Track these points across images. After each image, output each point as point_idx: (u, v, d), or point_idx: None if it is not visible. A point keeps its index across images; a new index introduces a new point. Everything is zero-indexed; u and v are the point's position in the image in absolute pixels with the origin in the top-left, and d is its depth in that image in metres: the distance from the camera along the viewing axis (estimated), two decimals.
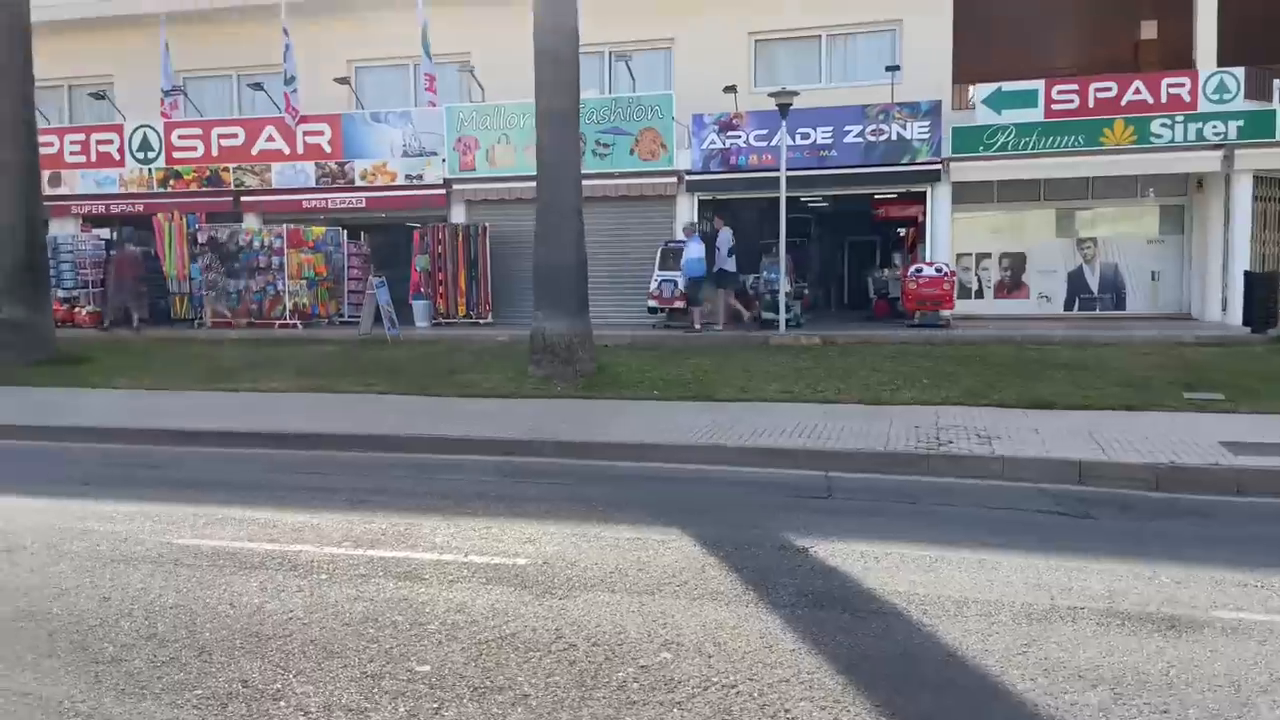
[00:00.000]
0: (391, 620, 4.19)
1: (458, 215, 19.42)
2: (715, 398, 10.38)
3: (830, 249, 24.30)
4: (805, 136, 17.08)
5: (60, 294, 19.06)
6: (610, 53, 20.02)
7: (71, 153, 20.89)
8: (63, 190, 20.71)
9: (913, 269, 16.60)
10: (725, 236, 16.37)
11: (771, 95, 15.11)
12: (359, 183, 19.55)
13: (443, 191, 19.27)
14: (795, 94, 14.88)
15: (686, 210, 18.11)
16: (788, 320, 15.80)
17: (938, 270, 16.18)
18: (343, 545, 5.37)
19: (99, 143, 20.86)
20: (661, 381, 11.54)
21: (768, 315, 16.44)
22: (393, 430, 8.88)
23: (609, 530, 5.64)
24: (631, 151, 18.04)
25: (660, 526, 5.72)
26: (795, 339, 14.63)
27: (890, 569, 4.83)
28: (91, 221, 20.86)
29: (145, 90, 21.24)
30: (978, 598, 4.39)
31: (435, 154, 19.26)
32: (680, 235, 17.80)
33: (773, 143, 16.98)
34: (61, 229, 20.64)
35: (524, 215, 18.99)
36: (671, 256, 16.89)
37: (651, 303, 16.75)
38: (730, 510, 6.28)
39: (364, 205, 19.58)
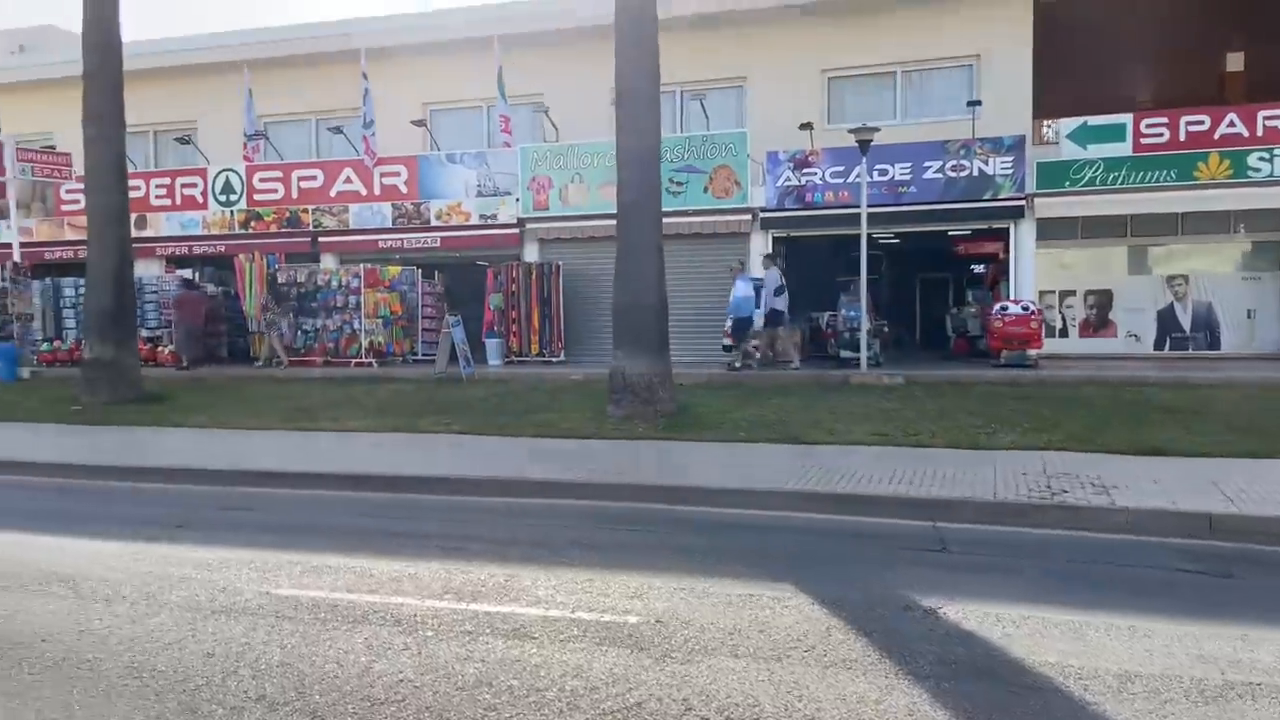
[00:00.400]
0: (507, 685, 3.96)
1: (530, 254, 19.47)
2: (803, 440, 10.06)
3: (901, 286, 23.87)
4: (883, 173, 16.80)
5: (144, 333, 19.50)
6: (682, 92, 20.04)
7: (157, 196, 21.51)
8: (148, 232, 21.30)
9: (998, 307, 16.12)
10: (772, 276, 16.30)
11: (851, 132, 14.89)
12: (434, 222, 19.76)
13: (516, 230, 19.36)
14: (876, 130, 14.64)
15: (760, 247, 17.89)
16: (867, 359, 15.41)
17: (1024, 308, 15.67)
18: (444, 598, 5.18)
19: (183, 186, 21.45)
20: (745, 422, 11.26)
21: (845, 354, 16.09)
22: (476, 472, 8.73)
23: (716, 584, 5.37)
24: (705, 189, 17.93)
25: (770, 581, 5.43)
26: (878, 378, 14.24)
27: (1033, 635, 4.47)
28: (175, 262, 21.39)
29: (226, 134, 21.86)
30: (1140, 671, 4.02)
31: (509, 194, 19.39)
32: (754, 272, 17.60)
33: (849, 179, 16.73)
34: (146, 270, 21.18)
35: (596, 253, 19.01)
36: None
37: (726, 341, 16.49)
38: (840, 564, 5.96)
39: (439, 245, 19.76)
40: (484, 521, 7.29)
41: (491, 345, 18.92)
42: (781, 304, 16.38)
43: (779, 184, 17.57)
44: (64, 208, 22.21)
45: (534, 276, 18.67)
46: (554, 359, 18.58)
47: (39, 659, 4.34)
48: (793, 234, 17.98)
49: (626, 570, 5.71)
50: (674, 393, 12.07)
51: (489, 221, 19.50)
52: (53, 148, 21.62)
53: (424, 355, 20.06)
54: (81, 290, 20.63)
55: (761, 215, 17.78)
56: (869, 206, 15.65)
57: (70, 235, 21.90)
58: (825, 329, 18.23)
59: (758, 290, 16.23)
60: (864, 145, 14.59)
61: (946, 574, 5.64)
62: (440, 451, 10.01)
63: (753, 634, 4.52)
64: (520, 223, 19.35)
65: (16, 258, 19.43)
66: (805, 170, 17.35)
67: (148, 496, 8.64)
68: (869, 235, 15.74)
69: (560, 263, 18.73)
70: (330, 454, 9.93)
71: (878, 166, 16.64)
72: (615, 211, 18.81)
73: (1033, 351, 15.65)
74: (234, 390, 15.89)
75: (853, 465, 8.58)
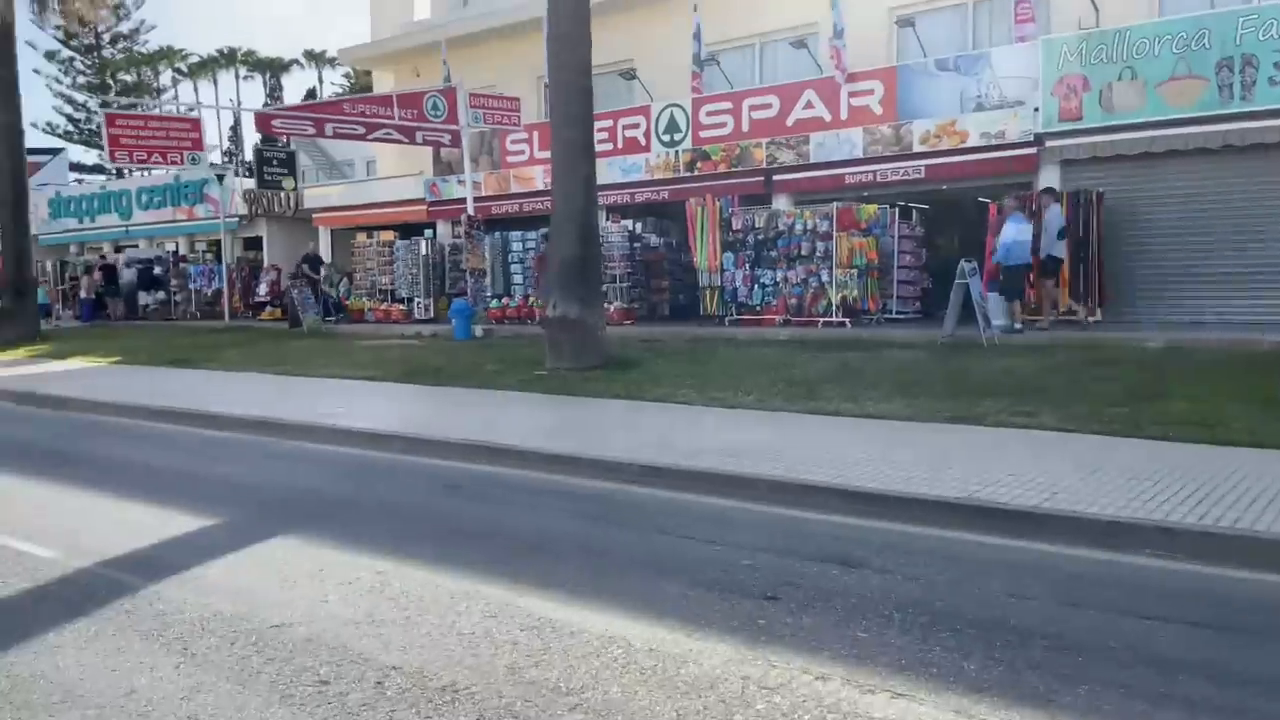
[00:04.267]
0: None
1: (1048, 180, 14.92)
2: None
3: None
4: None
5: None
6: None
7: (599, 140, 19.88)
8: None
9: None
10: (1054, 214, 13.56)
11: None
12: (917, 148, 15.92)
13: (1032, 151, 14.91)
14: None
15: None
16: None
17: None
18: None
19: (625, 128, 19.65)
20: None
21: None
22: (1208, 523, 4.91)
23: None
24: None
25: None
26: None
27: None
28: (618, 212, 19.67)
29: (667, 70, 19.65)
30: None
31: (1022, 103, 14.99)
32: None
33: None
34: None
35: (1153, 176, 14.17)
36: None
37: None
38: None
39: (922, 175, 15.93)
40: None
41: (995, 300, 14.78)
42: (1061, 250, 13.67)
43: None
44: (509, 159, 21.53)
45: (1064, 210, 14.18)
46: (1090, 318, 14.04)
47: None
48: None
49: None
50: None
51: (993, 142, 15.23)
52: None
53: (899, 313, 16.51)
54: (529, 245, 19.74)
55: None
56: None
57: (516, 188, 21.15)
58: None
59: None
60: None
61: None
62: (1064, 465, 6.28)
63: None
64: (1038, 140, 14.86)
65: (470, 211, 18.75)
66: None
67: (686, 520, 5.91)
68: None
69: (1100, 190, 14.05)
70: (908, 462, 6.62)
71: None
72: (1183, 117, 13.91)
73: None
74: (699, 355, 13.45)
75: None
